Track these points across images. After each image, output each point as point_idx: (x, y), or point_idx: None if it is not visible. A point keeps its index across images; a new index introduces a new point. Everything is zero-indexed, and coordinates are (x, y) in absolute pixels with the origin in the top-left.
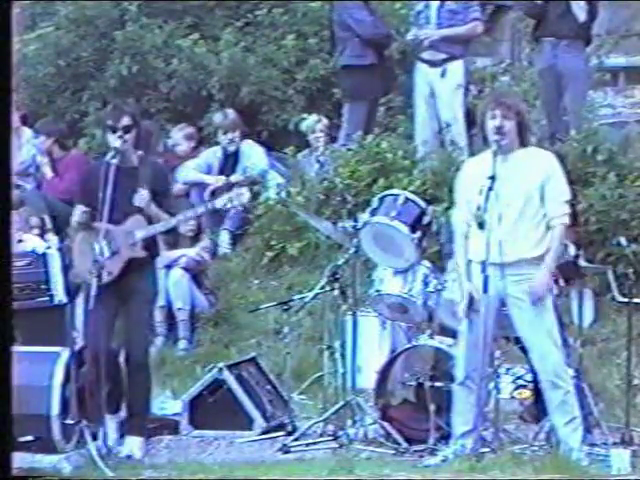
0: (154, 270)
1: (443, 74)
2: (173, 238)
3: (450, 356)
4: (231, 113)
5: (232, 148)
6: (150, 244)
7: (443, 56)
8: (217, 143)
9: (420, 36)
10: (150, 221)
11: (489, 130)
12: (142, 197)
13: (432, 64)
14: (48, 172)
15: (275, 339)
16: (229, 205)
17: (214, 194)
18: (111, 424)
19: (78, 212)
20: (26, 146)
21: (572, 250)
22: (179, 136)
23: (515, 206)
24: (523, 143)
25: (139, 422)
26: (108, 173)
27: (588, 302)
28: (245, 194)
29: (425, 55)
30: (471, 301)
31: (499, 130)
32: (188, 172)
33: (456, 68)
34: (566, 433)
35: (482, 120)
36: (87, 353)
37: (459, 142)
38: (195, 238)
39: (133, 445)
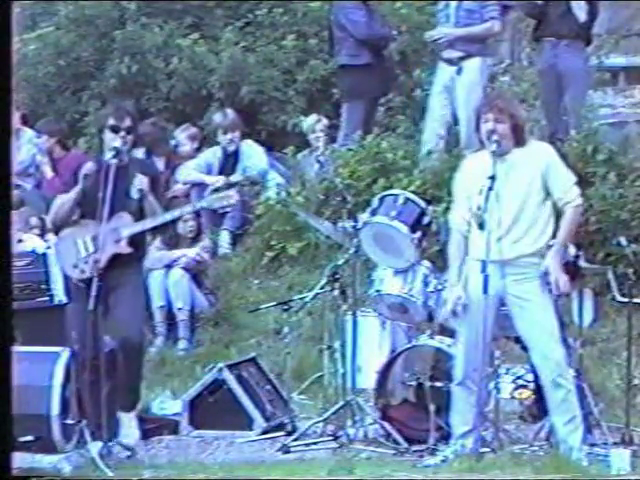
0: (140, 265)
1: (459, 72)
2: (173, 238)
3: (450, 356)
4: (231, 113)
5: (232, 148)
6: (136, 242)
7: (460, 54)
8: (217, 143)
9: (435, 36)
10: (142, 214)
11: (483, 133)
12: (142, 182)
13: (450, 62)
14: (48, 172)
15: (275, 339)
16: (216, 205)
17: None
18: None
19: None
20: (26, 146)
21: (572, 250)
22: (182, 137)
23: (515, 204)
24: (519, 143)
25: (131, 399)
26: (108, 173)
27: (588, 302)
28: (233, 196)
29: (444, 54)
30: (458, 303)
31: (492, 134)
32: (188, 172)
33: (473, 66)
34: (566, 432)
35: (477, 123)
36: (81, 353)
37: (472, 141)
38: (195, 238)
39: (128, 424)
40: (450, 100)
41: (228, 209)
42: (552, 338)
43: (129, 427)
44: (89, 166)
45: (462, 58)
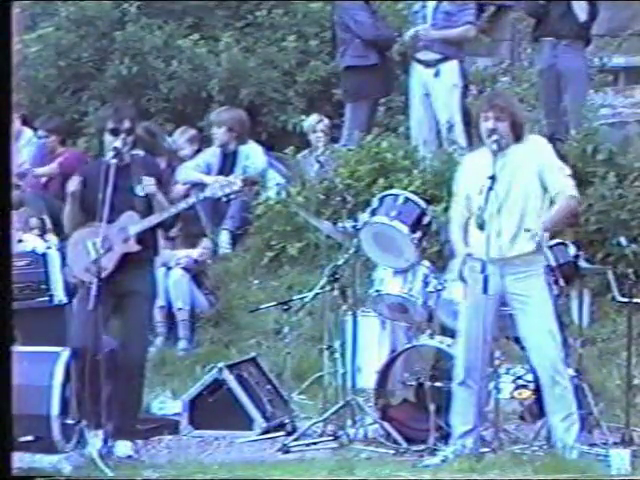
0: (152, 267)
1: (437, 74)
2: (173, 238)
3: (450, 356)
4: (227, 111)
5: (230, 147)
6: (146, 240)
7: (437, 56)
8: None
9: (413, 36)
10: (148, 212)
11: (483, 132)
12: (149, 183)
13: (426, 64)
14: (53, 170)
15: (275, 339)
16: (220, 193)
17: None
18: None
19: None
20: (26, 147)
21: (572, 250)
22: (182, 140)
23: (514, 202)
24: (518, 139)
25: (130, 426)
26: (108, 173)
27: (588, 302)
28: (236, 182)
29: (420, 55)
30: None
31: (493, 132)
32: (188, 172)
33: (451, 68)
34: (562, 429)
35: (477, 121)
36: (86, 354)
37: (460, 142)
38: (195, 238)
39: (125, 449)
40: (429, 102)
41: (232, 196)
42: (550, 335)
43: (124, 449)
44: (75, 183)
45: (439, 60)
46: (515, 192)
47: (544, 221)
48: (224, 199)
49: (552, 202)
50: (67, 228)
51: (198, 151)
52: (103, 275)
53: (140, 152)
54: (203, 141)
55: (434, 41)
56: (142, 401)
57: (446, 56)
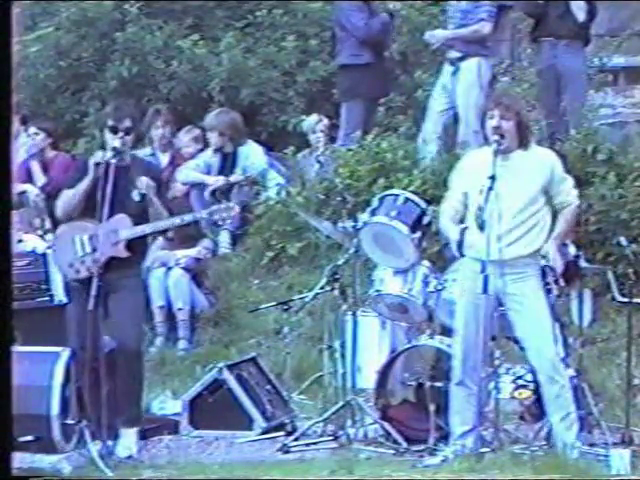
0: (139, 273)
1: (455, 72)
2: (171, 238)
3: (450, 356)
4: (223, 114)
5: (227, 149)
6: (135, 245)
7: (458, 54)
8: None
9: (430, 38)
10: (143, 216)
11: (488, 130)
12: (145, 184)
13: (451, 63)
14: (40, 178)
15: (275, 339)
16: (216, 217)
17: (214, 194)
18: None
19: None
20: (25, 147)
21: (572, 250)
22: (187, 138)
23: (515, 206)
24: (523, 143)
25: (137, 413)
26: (108, 173)
27: (588, 302)
28: (234, 208)
29: (448, 54)
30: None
31: (496, 130)
32: (188, 173)
33: (470, 66)
34: (562, 429)
35: (483, 120)
36: (80, 353)
37: (470, 141)
38: (194, 239)
39: (129, 438)
40: (450, 100)
41: (228, 220)
42: (547, 336)
43: (129, 442)
44: (100, 154)
45: (460, 58)
46: (518, 197)
47: (554, 237)
48: (220, 223)
49: (555, 210)
50: (62, 212)
51: (202, 150)
52: (87, 275)
53: (146, 151)
54: (205, 141)
55: (455, 39)
56: (143, 391)
57: (467, 54)
